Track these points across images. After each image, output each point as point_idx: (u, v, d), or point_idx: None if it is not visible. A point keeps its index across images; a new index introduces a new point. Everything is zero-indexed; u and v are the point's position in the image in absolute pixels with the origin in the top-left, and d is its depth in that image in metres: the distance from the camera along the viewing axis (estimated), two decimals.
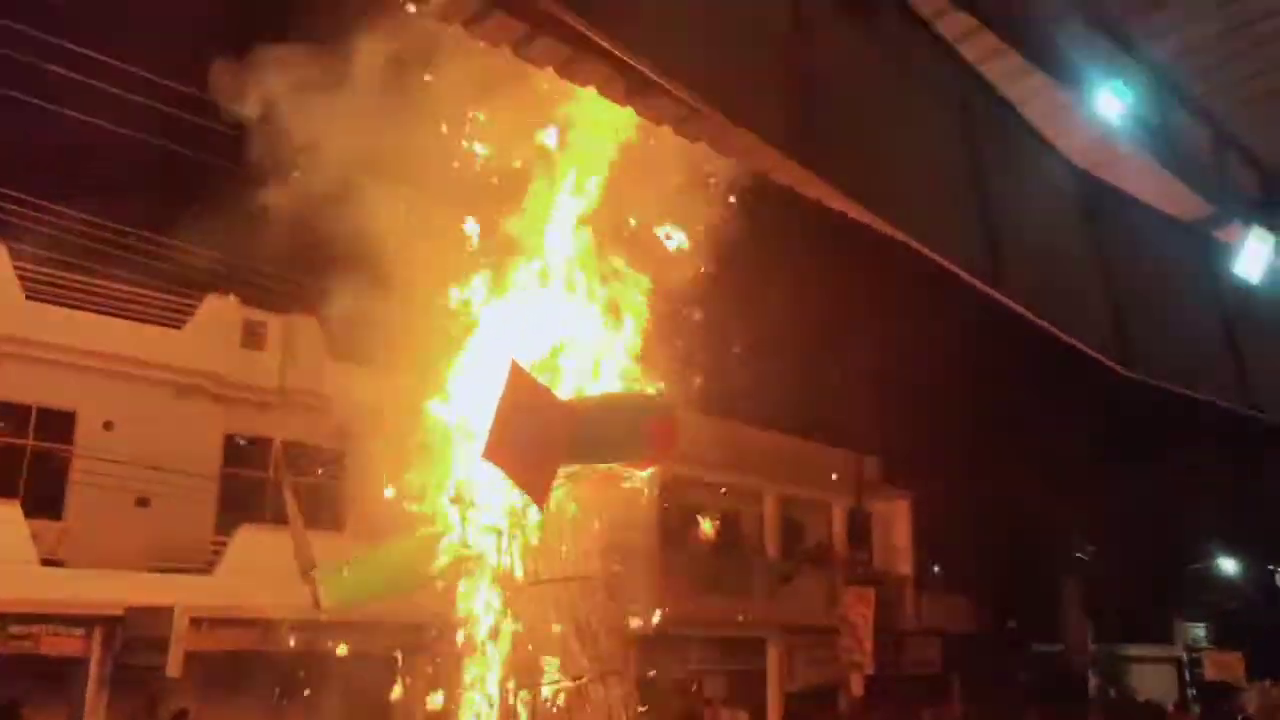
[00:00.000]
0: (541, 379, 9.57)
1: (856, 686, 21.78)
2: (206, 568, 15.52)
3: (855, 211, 6.50)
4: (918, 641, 26.61)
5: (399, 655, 15.60)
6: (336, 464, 17.53)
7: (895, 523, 28.34)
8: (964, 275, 6.76)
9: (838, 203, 6.66)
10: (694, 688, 22.65)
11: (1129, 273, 8.16)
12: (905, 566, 27.79)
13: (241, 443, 17.28)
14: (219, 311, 17.05)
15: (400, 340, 10.56)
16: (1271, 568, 40.74)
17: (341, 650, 13.51)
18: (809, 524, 27.67)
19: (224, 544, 15.70)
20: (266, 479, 17.18)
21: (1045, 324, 7.46)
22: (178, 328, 16.70)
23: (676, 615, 20.99)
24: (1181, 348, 8.22)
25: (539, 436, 7.83)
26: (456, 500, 9.94)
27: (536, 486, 8.05)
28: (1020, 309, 7.15)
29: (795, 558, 25.80)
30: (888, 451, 27.91)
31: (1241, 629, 36.20)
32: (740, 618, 22.76)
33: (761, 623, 23.45)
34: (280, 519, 16.59)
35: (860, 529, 26.58)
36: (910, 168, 6.21)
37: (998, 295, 6.96)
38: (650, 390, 10.21)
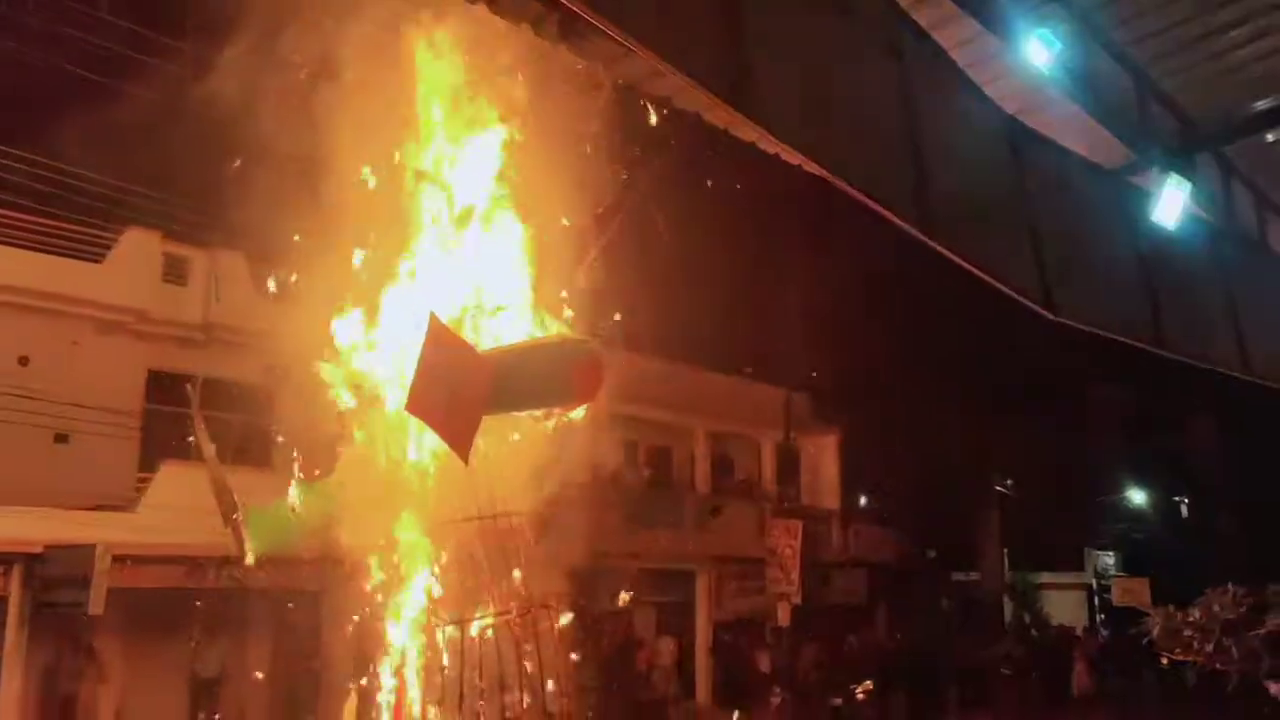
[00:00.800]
0: (464, 327, 9.53)
1: (784, 616, 22.31)
2: (129, 505, 15.27)
3: (791, 156, 6.52)
4: (844, 572, 27.33)
5: (325, 591, 15.63)
6: (264, 402, 17.30)
7: (823, 457, 28.91)
8: (894, 220, 6.84)
9: (773, 146, 6.68)
10: (626, 620, 23.03)
11: (1054, 218, 8.32)
12: (832, 500, 28.42)
13: (165, 379, 16.95)
14: (140, 245, 16.57)
15: (328, 278, 10.37)
16: (1177, 499, 42.48)
17: (265, 586, 13.37)
18: (738, 459, 28.10)
19: (148, 481, 15.46)
20: (191, 416, 16.91)
21: (972, 267, 7.60)
22: (98, 262, 16.22)
23: (607, 549, 21.30)
24: (1102, 292, 8.43)
25: (460, 390, 7.83)
26: (384, 438, 9.87)
27: (459, 439, 8.04)
28: (948, 252, 7.27)
29: (724, 492, 26.23)
30: (816, 387, 28.35)
31: (1148, 557, 37.76)
32: (670, 551, 23.17)
33: (691, 555, 23.88)
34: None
35: (789, 464, 27.06)
36: (846, 113, 6.24)
37: (926, 239, 7.07)
38: (572, 333, 10.07)
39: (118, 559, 14.57)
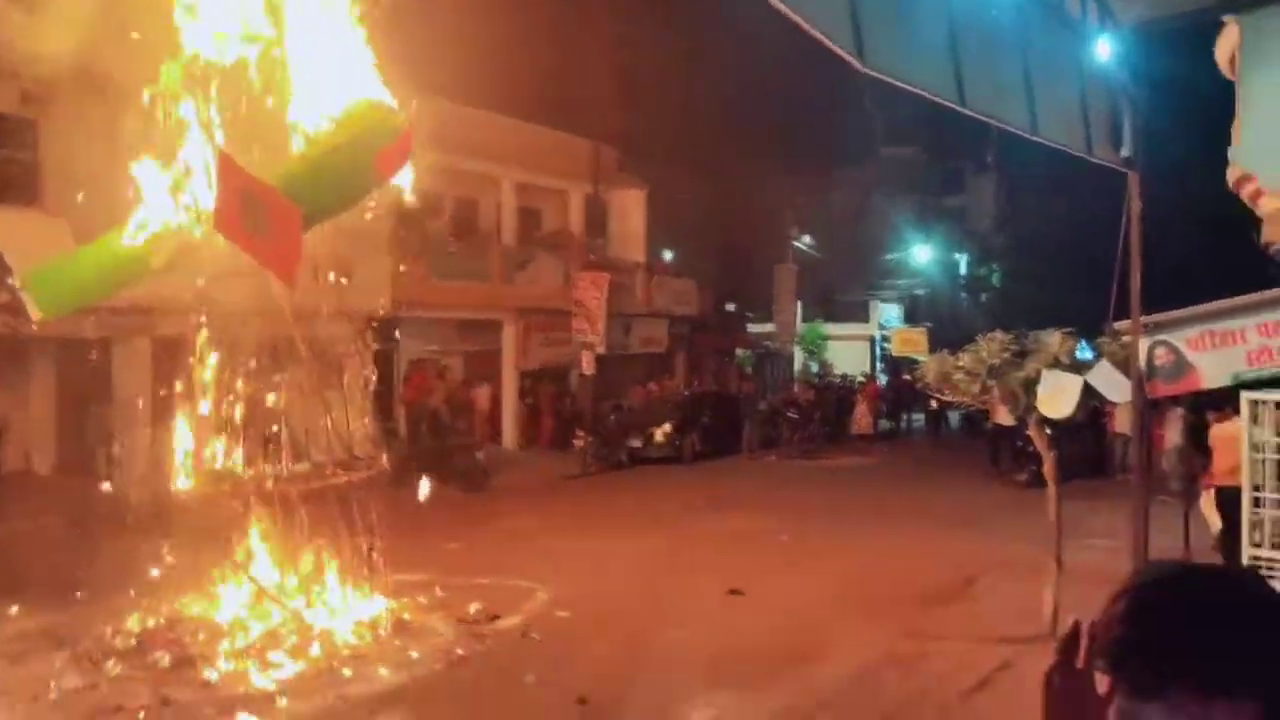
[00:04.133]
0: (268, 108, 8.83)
1: (588, 365, 22.95)
2: None
3: None
4: (646, 323, 28.14)
5: (114, 339, 14.90)
6: (27, 133, 15.74)
7: (630, 211, 29.03)
8: None
9: None
10: (443, 367, 23.21)
11: None
12: (638, 253, 28.81)
13: None
14: None
15: None
16: (955, 255, 45.36)
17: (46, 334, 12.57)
18: (547, 211, 27.90)
19: None
20: None
21: (785, 9, 7.48)
22: None
23: (411, 299, 21.09)
24: (912, 47, 8.52)
25: (268, 220, 7.52)
26: (174, 188, 9.12)
27: (280, 265, 7.76)
28: None
29: (532, 244, 26.15)
30: (625, 141, 28.14)
31: (928, 310, 40.50)
32: (477, 302, 23.17)
33: (498, 306, 23.97)
34: None
35: (596, 216, 27.08)
36: None
37: None
38: (373, 108, 9.24)
39: None
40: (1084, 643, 1.25)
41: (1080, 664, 1.24)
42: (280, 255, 7.71)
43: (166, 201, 9.01)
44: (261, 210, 7.58)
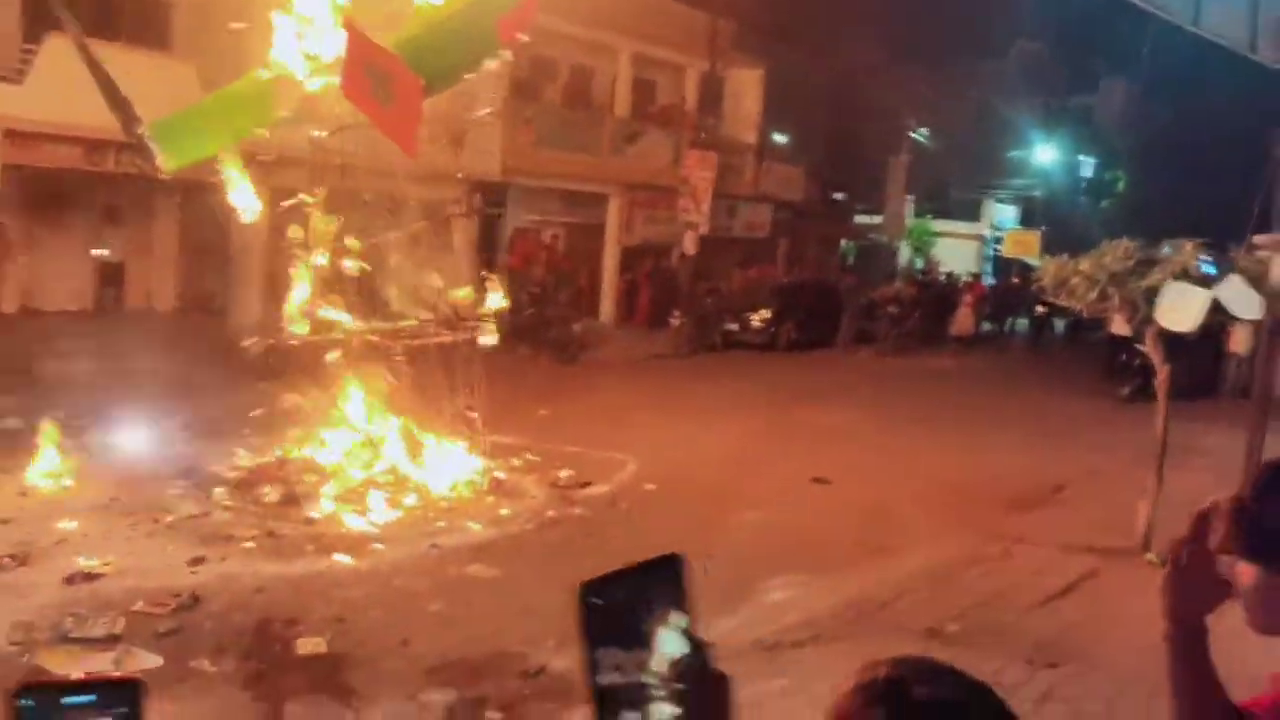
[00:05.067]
0: None
1: (690, 244, 22.80)
2: (16, 76, 14.31)
3: None
4: (751, 207, 27.75)
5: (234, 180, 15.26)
6: None
7: (745, 91, 28.38)
8: None
9: None
10: (552, 236, 23.33)
11: None
12: (750, 135, 28.25)
13: None
14: None
15: None
16: (1079, 158, 43.39)
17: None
18: (661, 85, 27.43)
19: (34, 53, 14.41)
20: None
21: None
22: None
23: (519, 166, 21.12)
24: None
25: (391, 90, 7.64)
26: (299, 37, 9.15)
27: (400, 133, 7.87)
28: None
29: (645, 118, 25.81)
30: (744, 17, 27.28)
31: (1043, 213, 39.06)
32: (584, 174, 23.09)
33: (605, 178, 23.85)
34: (99, 32, 15.25)
35: (711, 94, 26.52)
36: None
37: None
38: None
39: (9, 134, 13.90)
40: (1218, 524, 1.23)
41: (1214, 545, 1.23)
42: (403, 124, 7.86)
43: (291, 50, 9.10)
44: (387, 81, 7.71)
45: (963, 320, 26.67)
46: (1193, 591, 1.25)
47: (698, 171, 23.17)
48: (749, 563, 7.91)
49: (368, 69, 7.81)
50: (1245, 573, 1.21)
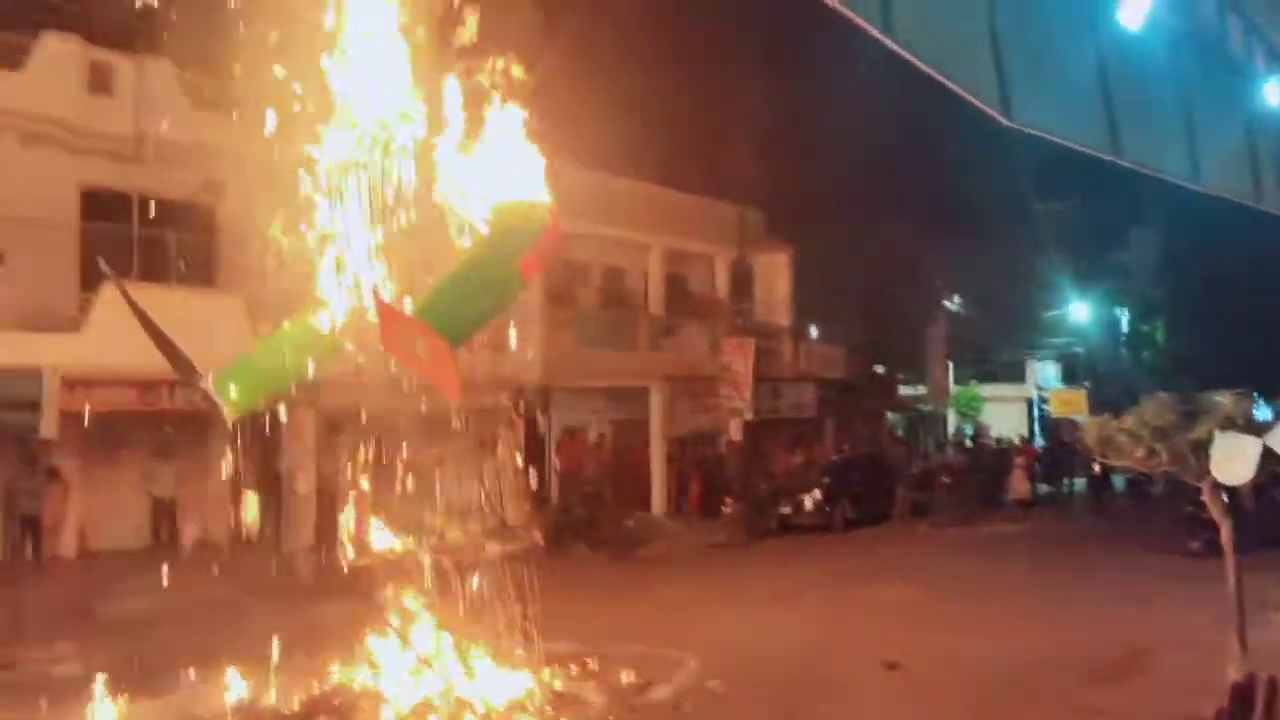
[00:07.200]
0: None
1: (735, 431, 22.86)
2: (73, 326, 14.98)
3: None
4: (794, 388, 27.87)
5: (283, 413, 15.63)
6: (206, 218, 16.88)
7: (775, 275, 28.99)
8: (850, 16, 6.57)
9: None
10: (599, 436, 23.46)
11: (1013, 16, 8.04)
12: (784, 317, 28.68)
13: (101, 196, 16.38)
14: (59, 51, 15.66)
15: (264, 87, 9.84)
16: (1118, 311, 43.38)
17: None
18: (692, 276, 28.13)
19: (92, 302, 15.12)
20: (131, 234, 16.48)
21: (929, 68, 7.36)
22: (15, 69, 15.37)
23: (562, 369, 21.49)
24: (1060, 97, 8.27)
25: (426, 345, 8.04)
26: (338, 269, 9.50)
27: (443, 382, 8.16)
28: (904, 52, 7.02)
29: (678, 311, 26.36)
30: (770, 204, 28.19)
31: (1087, 369, 38.80)
32: (625, 370, 23.42)
33: (646, 373, 24.16)
34: (149, 275, 16.00)
35: (742, 281, 27.12)
36: None
37: (884, 39, 6.82)
38: (516, 210, 9.30)
39: (67, 382, 14.42)
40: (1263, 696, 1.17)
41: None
42: (440, 374, 8.12)
43: (335, 282, 9.46)
44: (418, 342, 8.11)
45: (1018, 484, 26.19)
46: None
47: (736, 358, 23.49)
48: None
49: (399, 334, 8.18)
50: None
